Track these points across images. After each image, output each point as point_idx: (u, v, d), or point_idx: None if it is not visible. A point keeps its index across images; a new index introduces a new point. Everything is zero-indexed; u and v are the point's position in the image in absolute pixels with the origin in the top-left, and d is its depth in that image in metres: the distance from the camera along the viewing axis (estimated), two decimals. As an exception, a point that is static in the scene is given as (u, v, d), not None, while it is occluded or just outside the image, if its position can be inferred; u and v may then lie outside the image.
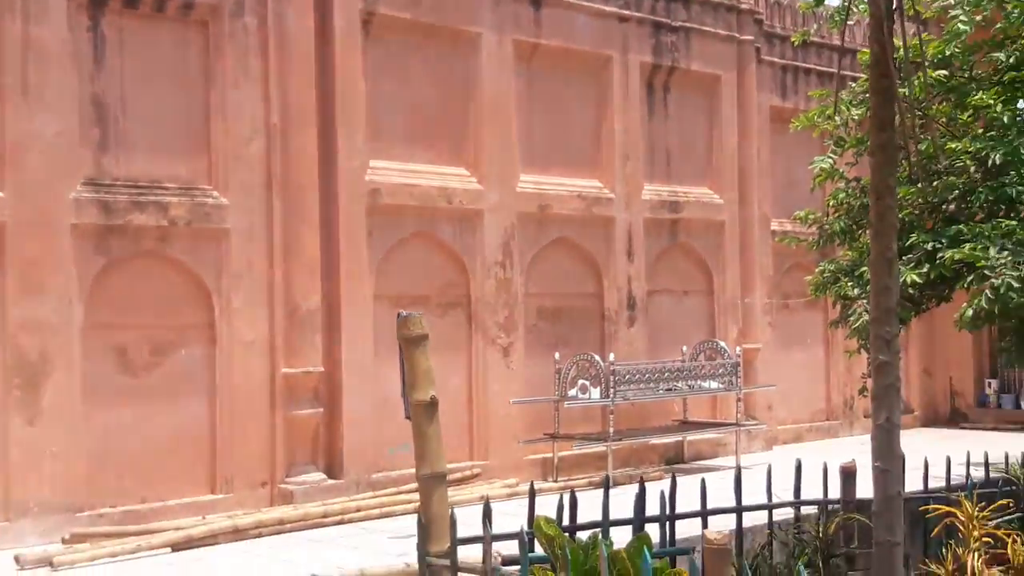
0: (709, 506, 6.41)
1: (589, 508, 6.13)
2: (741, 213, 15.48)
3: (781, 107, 15.93)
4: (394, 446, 11.13)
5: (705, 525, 6.12)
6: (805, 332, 16.65)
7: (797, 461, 6.99)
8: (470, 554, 5.22)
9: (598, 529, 5.58)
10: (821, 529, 6.10)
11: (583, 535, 5.41)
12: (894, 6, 5.09)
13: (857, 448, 12.68)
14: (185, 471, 10.40)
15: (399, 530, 9.57)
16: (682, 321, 14.84)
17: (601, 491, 6.00)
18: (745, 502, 6.75)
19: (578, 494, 6.14)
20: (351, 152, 11.50)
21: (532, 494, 5.79)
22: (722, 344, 14.30)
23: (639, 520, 5.96)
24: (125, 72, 10.23)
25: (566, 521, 5.87)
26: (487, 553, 5.01)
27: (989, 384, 18.71)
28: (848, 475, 6.90)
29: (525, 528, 5.03)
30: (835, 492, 7.12)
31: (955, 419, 18.74)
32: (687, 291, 15.04)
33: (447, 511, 5.10)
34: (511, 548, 5.09)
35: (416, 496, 5.46)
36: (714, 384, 13.97)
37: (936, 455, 8.51)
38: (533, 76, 13.27)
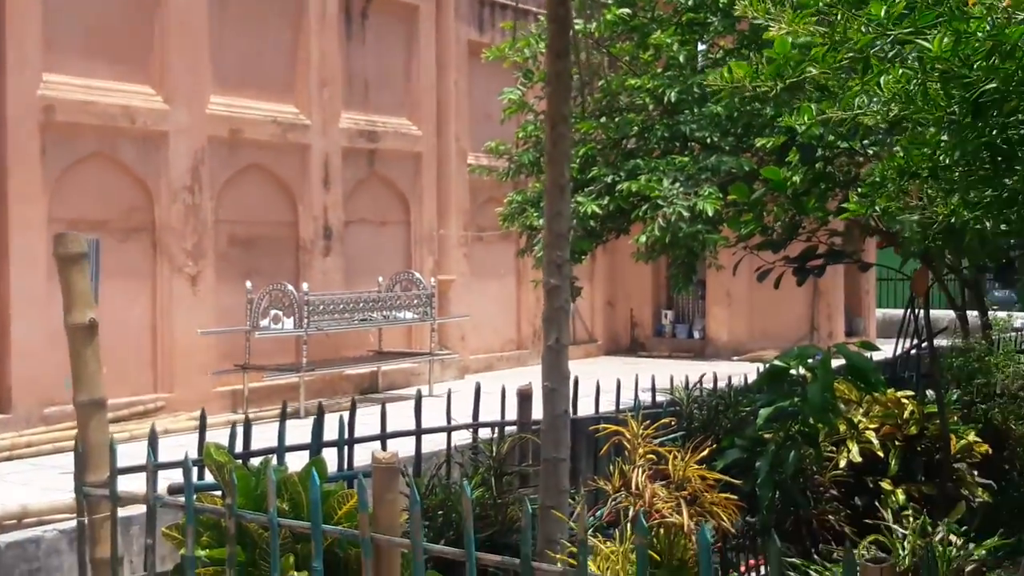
0: (394, 430, 6.45)
1: (273, 437, 6.02)
2: (438, 145, 15.57)
3: (479, 41, 16.04)
4: (71, 379, 10.53)
5: (384, 449, 6.13)
6: (498, 264, 17.02)
7: (476, 385, 7.15)
8: (136, 485, 5.00)
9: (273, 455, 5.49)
10: (495, 449, 6.27)
11: (257, 461, 5.31)
12: (569, -65, 5.15)
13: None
14: None
15: (71, 465, 9.06)
16: (379, 252, 14.83)
17: (291, 421, 5.91)
18: (427, 426, 6.83)
19: (267, 425, 6.01)
20: (22, 64, 10.65)
21: (203, 421, 5.63)
22: (417, 275, 14.41)
23: (316, 445, 5.93)
24: None
25: (240, 449, 5.74)
26: (151, 482, 4.81)
27: (665, 315, 19.90)
28: (524, 398, 7.09)
29: (193, 456, 4.86)
30: (513, 415, 7.33)
31: (634, 348, 19.81)
32: (384, 222, 15.02)
33: (107, 439, 4.87)
34: (182, 477, 4.91)
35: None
36: (409, 315, 14.09)
37: (612, 381, 8.91)
38: (225, -7, 12.73)
